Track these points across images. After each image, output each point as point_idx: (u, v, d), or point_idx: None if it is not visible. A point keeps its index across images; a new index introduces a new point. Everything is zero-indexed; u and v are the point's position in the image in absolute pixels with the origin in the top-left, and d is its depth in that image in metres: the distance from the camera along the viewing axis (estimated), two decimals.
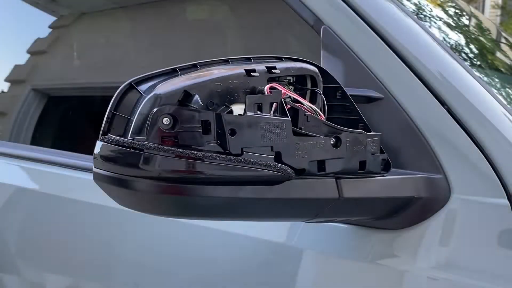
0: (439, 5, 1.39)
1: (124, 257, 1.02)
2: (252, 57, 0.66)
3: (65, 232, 1.10)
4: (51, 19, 1.65)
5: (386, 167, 0.71)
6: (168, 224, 0.94)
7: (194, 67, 0.62)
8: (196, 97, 0.57)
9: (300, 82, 0.69)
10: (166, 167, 0.56)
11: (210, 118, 0.57)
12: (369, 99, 0.79)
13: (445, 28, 1.22)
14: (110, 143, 0.57)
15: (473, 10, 1.66)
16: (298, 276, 0.83)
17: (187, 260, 0.94)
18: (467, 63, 1.03)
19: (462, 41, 1.24)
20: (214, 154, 0.57)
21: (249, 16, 1.34)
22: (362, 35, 0.83)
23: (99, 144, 0.59)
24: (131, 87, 0.59)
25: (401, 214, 0.75)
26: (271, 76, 0.63)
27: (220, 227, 0.90)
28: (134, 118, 0.57)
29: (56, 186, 1.17)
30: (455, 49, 1.12)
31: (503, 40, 1.66)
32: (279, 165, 0.60)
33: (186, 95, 0.57)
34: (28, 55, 1.64)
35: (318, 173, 0.64)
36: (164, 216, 0.72)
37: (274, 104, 0.61)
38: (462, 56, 1.10)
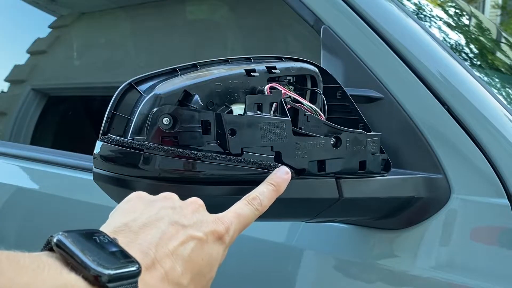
0: (439, 5, 1.39)
1: None
2: (252, 57, 0.66)
3: None
4: (51, 19, 1.65)
5: (386, 167, 0.71)
6: None
7: (194, 67, 0.62)
8: (196, 97, 0.57)
9: (300, 82, 0.69)
10: (166, 167, 0.56)
11: (210, 118, 0.57)
12: (369, 99, 0.79)
13: (445, 28, 1.22)
14: (110, 143, 0.57)
15: (473, 10, 1.66)
16: (298, 276, 0.83)
17: None
18: (467, 63, 1.03)
19: (462, 41, 1.24)
20: (214, 154, 0.57)
21: (249, 16, 1.34)
22: (362, 35, 0.83)
23: (99, 144, 0.58)
24: (131, 87, 0.58)
25: (401, 214, 0.75)
26: (271, 76, 0.63)
27: None
28: (134, 118, 0.57)
29: (56, 186, 1.17)
30: (455, 49, 1.12)
31: (503, 40, 1.66)
32: (279, 165, 0.60)
33: (186, 95, 0.57)
34: (28, 55, 1.64)
35: (318, 173, 0.64)
36: None
37: (274, 104, 0.61)
38: (462, 56, 1.10)
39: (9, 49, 1.68)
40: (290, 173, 0.59)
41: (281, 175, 0.58)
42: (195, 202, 0.52)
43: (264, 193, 0.56)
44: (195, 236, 0.48)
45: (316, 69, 0.69)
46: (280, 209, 0.67)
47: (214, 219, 0.51)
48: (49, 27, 1.62)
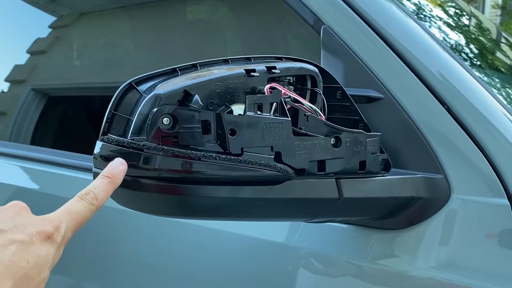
0: (439, 5, 1.39)
1: (124, 257, 1.02)
2: (252, 57, 0.66)
3: None
4: (51, 19, 1.65)
5: (386, 167, 0.71)
6: (168, 224, 0.94)
7: (194, 67, 0.62)
8: (196, 97, 0.57)
9: (300, 82, 0.69)
10: (166, 167, 0.56)
11: (210, 118, 0.57)
12: (369, 99, 0.79)
13: (445, 28, 1.22)
14: (110, 143, 0.57)
15: (473, 10, 1.66)
16: (298, 276, 0.83)
17: (187, 260, 0.94)
18: (467, 63, 1.03)
19: (462, 41, 1.24)
20: (214, 154, 0.57)
21: (249, 16, 1.35)
22: (362, 35, 0.83)
23: (99, 144, 0.59)
24: (131, 87, 0.59)
25: (401, 214, 0.75)
26: (271, 76, 0.63)
27: (220, 227, 0.90)
28: (134, 118, 0.57)
29: (56, 186, 1.17)
30: (455, 49, 1.12)
31: (503, 40, 1.66)
32: (279, 165, 0.60)
33: (186, 95, 0.57)
34: (28, 55, 1.64)
35: (318, 173, 0.64)
36: (164, 216, 0.72)
37: (274, 104, 0.61)
38: (462, 56, 1.10)
39: (9, 49, 1.68)
40: (125, 163, 0.56)
41: (116, 167, 0.56)
42: (16, 205, 0.51)
43: (98, 187, 0.55)
44: (15, 239, 0.47)
45: (316, 69, 0.69)
46: (280, 209, 0.67)
47: (39, 219, 0.50)
48: (49, 27, 1.62)
